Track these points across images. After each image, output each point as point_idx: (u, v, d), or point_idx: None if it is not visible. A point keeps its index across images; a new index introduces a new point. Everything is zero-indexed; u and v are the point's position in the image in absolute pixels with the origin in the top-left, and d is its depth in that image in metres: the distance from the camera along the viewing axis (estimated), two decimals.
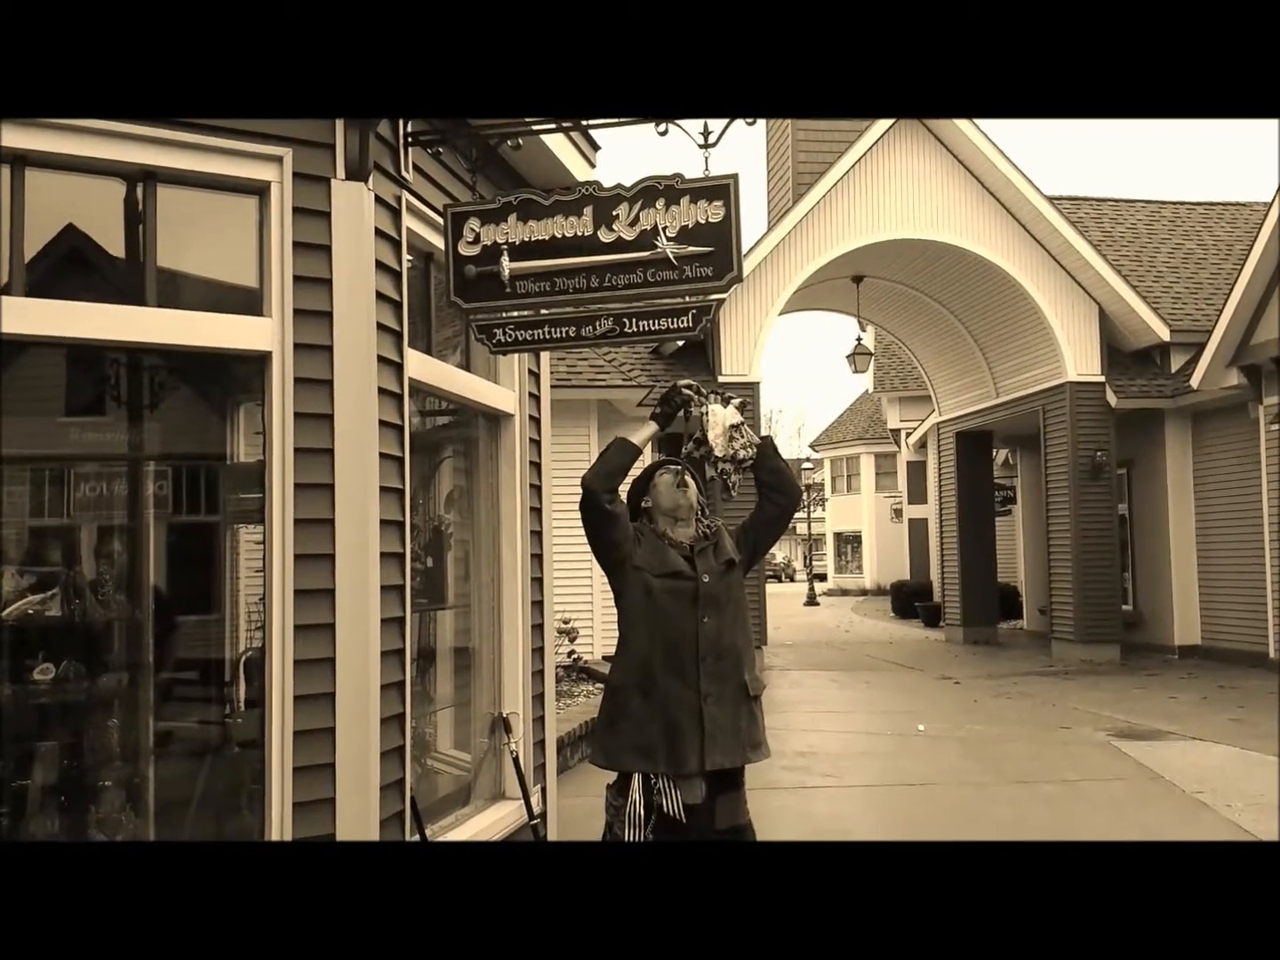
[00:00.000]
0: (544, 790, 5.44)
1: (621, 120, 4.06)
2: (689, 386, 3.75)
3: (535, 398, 5.54)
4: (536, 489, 5.48)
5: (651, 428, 3.78)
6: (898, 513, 32.08)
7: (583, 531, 3.66)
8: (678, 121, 3.87)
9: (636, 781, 3.48)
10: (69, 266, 3.79)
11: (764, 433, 4.21)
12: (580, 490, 3.57)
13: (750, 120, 3.87)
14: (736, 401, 3.76)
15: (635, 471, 3.86)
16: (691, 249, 3.82)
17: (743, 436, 3.65)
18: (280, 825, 3.56)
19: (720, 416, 3.65)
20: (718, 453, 3.63)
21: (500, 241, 3.98)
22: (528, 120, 4.46)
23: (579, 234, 3.92)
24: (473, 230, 4.01)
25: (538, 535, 5.48)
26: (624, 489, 3.79)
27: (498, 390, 5.16)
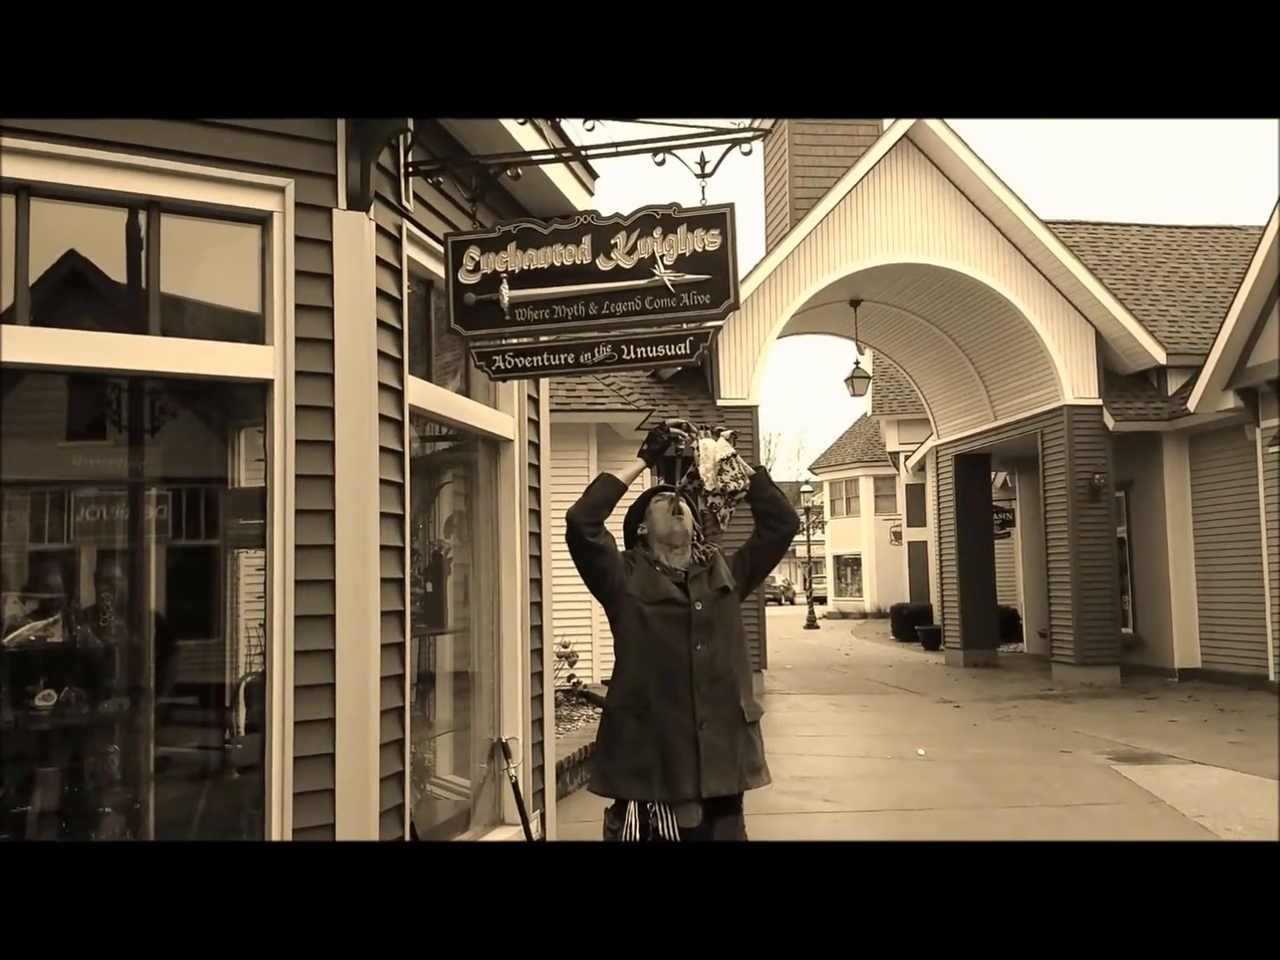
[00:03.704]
0: (543, 816, 5.44)
1: (620, 150, 4.11)
2: (677, 424, 3.79)
3: (534, 422, 5.58)
4: (536, 513, 5.51)
5: (638, 464, 3.85)
6: (897, 535, 32.08)
7: None
8: (675, 151, 3.92)
9: (633, 805, 3.49)
10: (72, 292, 3.82)
11: (762, 458, 4.25)
12: (565, 524, 3.62)
13: (746, 150, 3.93)
14: (727, 433, 3.78)
15: (632, 498, 3.89)
16: (689, 277, 3.86)
17: (733, 469, 3.67)
18: None
19: (710, 450, 3.67)
20: (708, 486, 3.65)
21: (500, 270, 4.02)
22: (527, 150, 4.51)
23: (577, 262, 3.97)
24: (473, 258, 4.06)
25: (537, 560, 5.51)
26: (620, 516, 3.82)
27: (497, 415, 5.19)
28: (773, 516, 3.74)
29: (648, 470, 4.18)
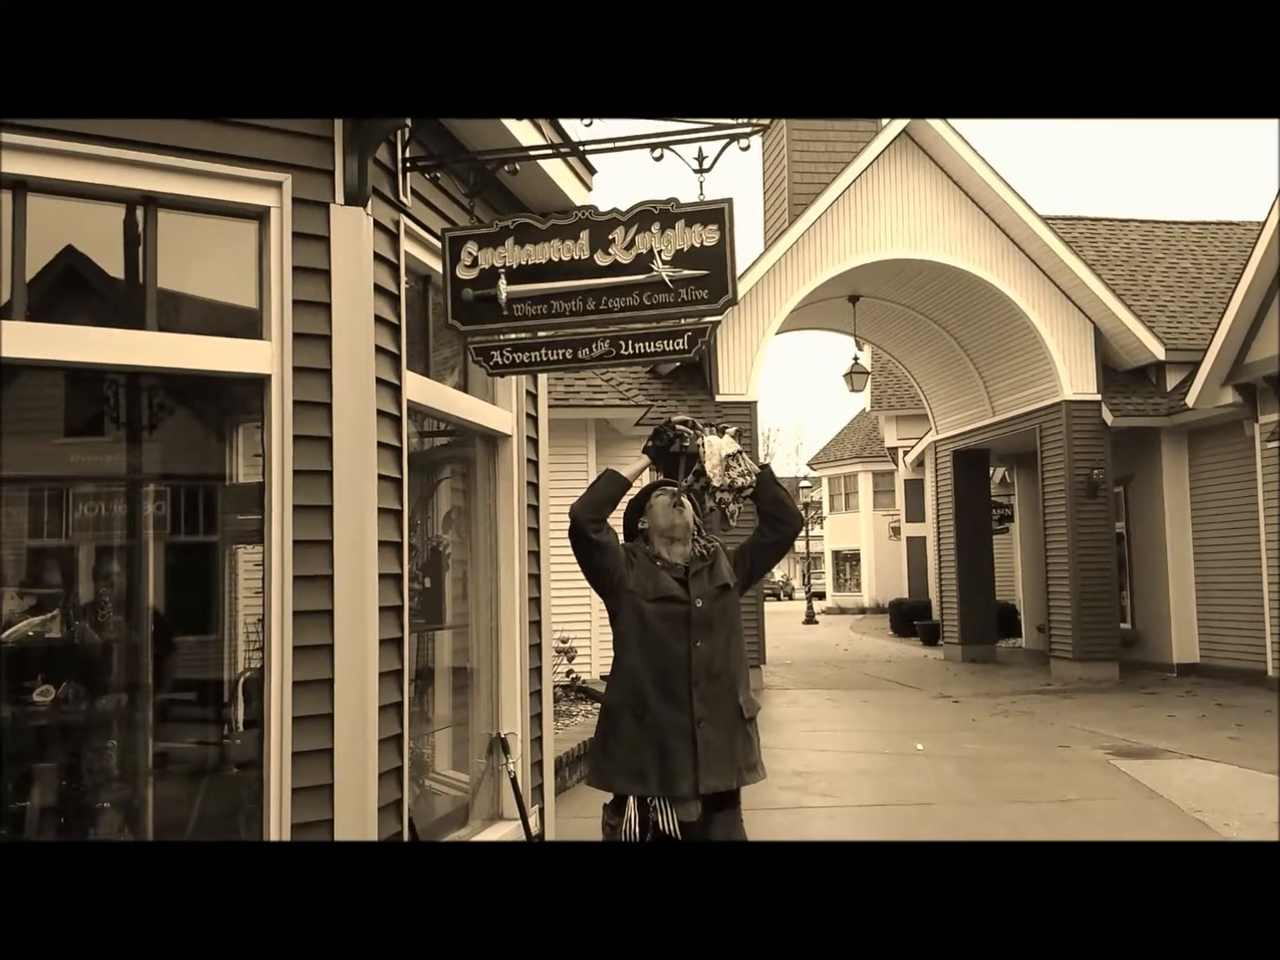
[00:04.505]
0: (542, 811, 5.44)
1: (618, 145, 4.10)
2: (683, 422, 3.78)
3: (533, 418, 5.58)
4: (534, 509, 5.51)
5: (642, 461, 3.84)
6: (895, 531, 32.09)
7: None
8: (672, 147, 3.92)
9: (632, 800, 3.50)
10: (69, 288, 3.82)
11: (761, 453, 4.24)
12: (568, 520, 3.62)
13: (744, 145, 3.92)
14: (733, 430, 3.78)
15: (634, 491, 3.89)
16: (687, 272, 3.85)
17: (740, 465, 3.66)
18: None
19: (716, 447, 3.67)
20: (715, 483, 3.64)
21: (498, 265, 4.01)
22: (525, 145, 4.50)
23: (575, 257, 3.96)
24: (470, 254, 4.05)
25: (535, 555, 5.51)
26: (621, 510, 3.82)
27: (495, 411, 5.19)
28: (777, 517, 3.74)
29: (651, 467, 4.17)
